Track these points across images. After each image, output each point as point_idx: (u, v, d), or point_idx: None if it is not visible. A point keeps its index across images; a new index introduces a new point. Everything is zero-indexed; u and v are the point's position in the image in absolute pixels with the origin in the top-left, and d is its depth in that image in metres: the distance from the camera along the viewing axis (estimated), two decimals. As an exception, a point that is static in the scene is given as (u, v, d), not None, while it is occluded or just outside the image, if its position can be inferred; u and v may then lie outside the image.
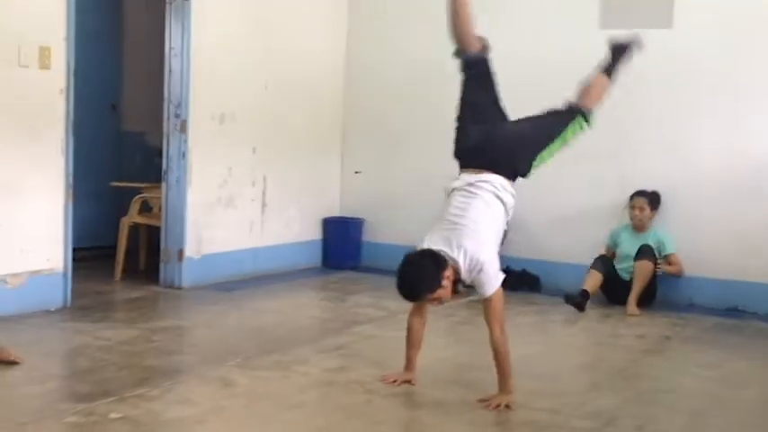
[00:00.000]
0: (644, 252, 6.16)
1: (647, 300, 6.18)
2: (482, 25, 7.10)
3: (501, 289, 3.84)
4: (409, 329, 4.13)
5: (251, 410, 3.72)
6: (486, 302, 3.85)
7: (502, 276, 3.85)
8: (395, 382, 4.10)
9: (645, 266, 6.10)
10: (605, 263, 6.30)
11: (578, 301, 6.05)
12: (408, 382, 4.11)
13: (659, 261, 6.25)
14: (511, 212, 4.01)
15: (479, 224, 3.85)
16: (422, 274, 3.78)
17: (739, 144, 6.27)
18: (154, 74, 6.81)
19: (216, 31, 6.43)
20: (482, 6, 7.06)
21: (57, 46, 5.31)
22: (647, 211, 6.34)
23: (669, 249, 6.34)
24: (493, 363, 3.89)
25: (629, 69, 6.55)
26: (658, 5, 6.49)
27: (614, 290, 6.26)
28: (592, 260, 6.32)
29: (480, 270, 3.78)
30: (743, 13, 6.23)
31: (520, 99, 6.97)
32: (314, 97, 7.52)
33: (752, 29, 6.21)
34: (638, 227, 6.38)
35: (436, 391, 4.05)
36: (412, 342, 4.14)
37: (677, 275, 6.36)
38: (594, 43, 6.66)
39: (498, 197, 3.92)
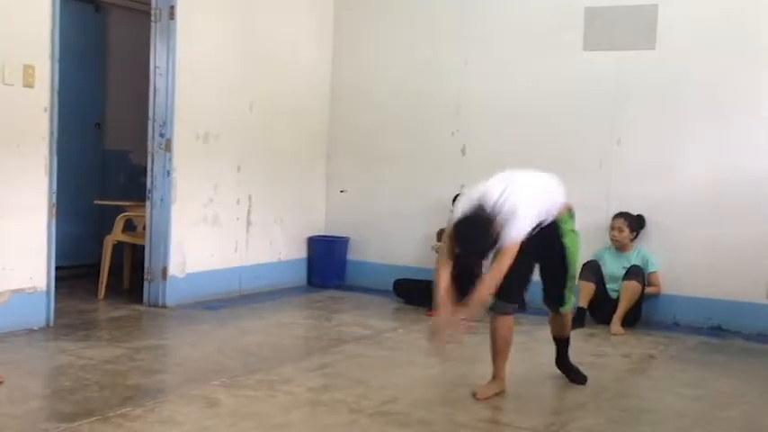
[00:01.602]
0: (633, 273, 6.18)
1: (632, 319, 6.20)
2: (466, 52, 7.24)
3: (514, 248, 3.98)
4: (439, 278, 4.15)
5: (235, 430, 3.69)
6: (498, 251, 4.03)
7: (520, 237, 3.99)
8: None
9: (633, 287, 6.12)
10: (595, 270, 6.30)
11: (576, 324, 6.10)
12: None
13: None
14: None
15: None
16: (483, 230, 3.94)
17: (723, 164, 6.31)
18: (138, 93, 6.81)
19: (201, 50, 6.44)
20: (465, 34, 7.20)
21: (41, 64, 5.30)
22: (626, 232, 6.37)
23: (651, 268, 6.37)
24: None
25: (614, 90, 6.67)
26: (641, 27, 6.55)
27: (600, 309, 6.27)
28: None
29: (513, 216, 3.95)
30: (725, 34, 6.29)
31: (506, 122, 7.09)
32: (299, 116, 7.54)
33: (733, 50, 6.28)
34: (619, 247, 6.41)
35: (421, 410, 4.04)
36: (441, 284, 4.13)
37: (654, 295, 6.39)
38: (579, 65, 6.79)
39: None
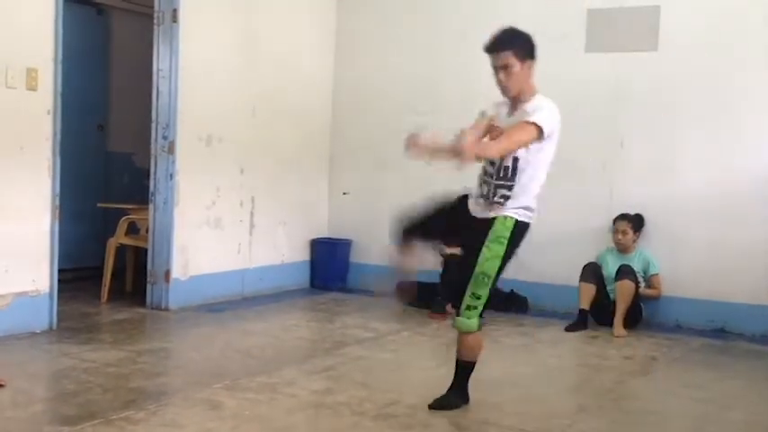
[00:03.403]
0: (623, 272, 6.16)
1: (634, 321, 6.19)
2: (470, 51, 7.20)
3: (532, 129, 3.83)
4: None
5: (238, 433, 3.70)
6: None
7: (541, 122, 3.83)
8: None
9: (625, 286, 6.10)
10: (595, 272, 6.30)
11: (579, 326, 6.10)
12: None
13: (641, 282, 6.28)
14: None
15: None
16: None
17: (726, 165, 6.30)
18: (141, 95, 6.82)
19: (204, 53, 6.45)
20: (468, 35, 7.20)
21: (44, 67, 5.31)
22: (630, 234, 6.37)
23: (652, 270, 6.36)
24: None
25: (616, 91, 6.66)
26: (644, 28, 6.55)
27: (601, 311, 6.26)
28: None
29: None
30: (727, 36, 6.29)
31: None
32: (302, 118, 7.54)
33: (736, 51, 6.27)
34: (622, 249, 6.41)
35: (424, 412, 4.03)
36: None
37: (655, 298, 6.38)
38: (581, 66, 6.79)
39: None
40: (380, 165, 7.66)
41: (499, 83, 3.99)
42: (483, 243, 3.89)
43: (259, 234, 7.12)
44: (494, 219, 3.92)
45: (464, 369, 4.08)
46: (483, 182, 4.03)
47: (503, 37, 4.00)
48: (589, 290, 6.22)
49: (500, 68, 3.95)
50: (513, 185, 3.92)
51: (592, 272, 6.29)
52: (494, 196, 3.94)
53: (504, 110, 4.07)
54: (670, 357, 5.51)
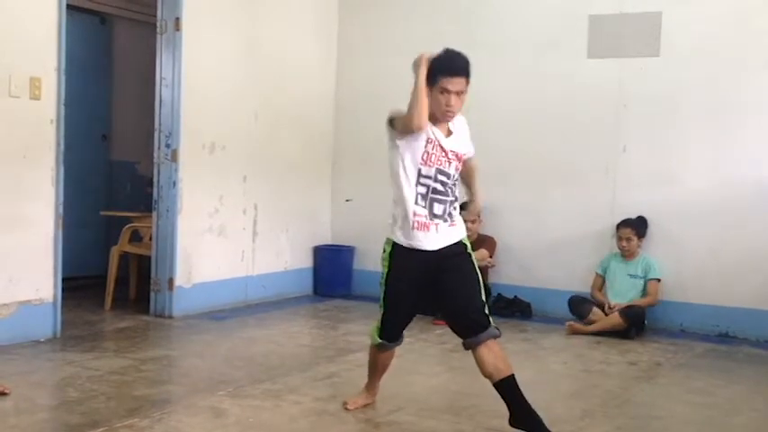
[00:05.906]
0: (630, 311, 6.14)
1: (638, 329, 6.14)
2: (477, 60, 7.22)
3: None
4: None
5: (242, 440, 3.70)
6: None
7: None
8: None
9: (616, 321, 6.12)
10: (587, 305, 6.40)
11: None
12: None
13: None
14: None
15: None
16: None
17: (729, 170, 6.30)
18: (144, 104, 6.84)
19: (206, 61, 6.47)
20: (470, 41, 7.21)
21: (47, 76, 5.32)
22: (635, 240, 6.37)
23: (652, 275, 6.34)
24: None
25: (619, 96, 6.67)
26: (645, 34, 6.55)
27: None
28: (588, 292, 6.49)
29: None
30: (728, 42, 6.30)
31: (511, 129, 7.10)
32: (304, 126, 7.55)
33: (737, 57, 6.28)
34: (627, 256, 6.40)
35: (429, 419, 4.03)
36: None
37: (650, 305, 6.35)
38: (583, 72, 6.80)
39: None
40: (383, 171, 7.60)
41: (448, 107, 3.85)
42: (471, 260, 3.83)
43: (262, 241, 7.12)
44: (460, 242, 3.85)
45: (514, 386, 3.78)
46: (435, 201, 3.87)
47: (466, 62, 3.85)
48: (601, 315, 6.26)
49: (456, 93, 3.83)
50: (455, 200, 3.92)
51: (584, 303, 6.39)
52: (450, 216, 3.86)
53: (442, 130, 4.00)
54: (674, 363, 5.50)
